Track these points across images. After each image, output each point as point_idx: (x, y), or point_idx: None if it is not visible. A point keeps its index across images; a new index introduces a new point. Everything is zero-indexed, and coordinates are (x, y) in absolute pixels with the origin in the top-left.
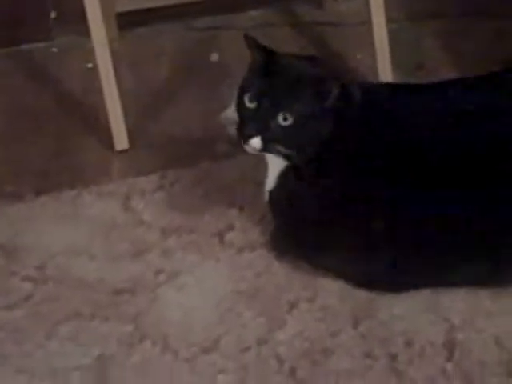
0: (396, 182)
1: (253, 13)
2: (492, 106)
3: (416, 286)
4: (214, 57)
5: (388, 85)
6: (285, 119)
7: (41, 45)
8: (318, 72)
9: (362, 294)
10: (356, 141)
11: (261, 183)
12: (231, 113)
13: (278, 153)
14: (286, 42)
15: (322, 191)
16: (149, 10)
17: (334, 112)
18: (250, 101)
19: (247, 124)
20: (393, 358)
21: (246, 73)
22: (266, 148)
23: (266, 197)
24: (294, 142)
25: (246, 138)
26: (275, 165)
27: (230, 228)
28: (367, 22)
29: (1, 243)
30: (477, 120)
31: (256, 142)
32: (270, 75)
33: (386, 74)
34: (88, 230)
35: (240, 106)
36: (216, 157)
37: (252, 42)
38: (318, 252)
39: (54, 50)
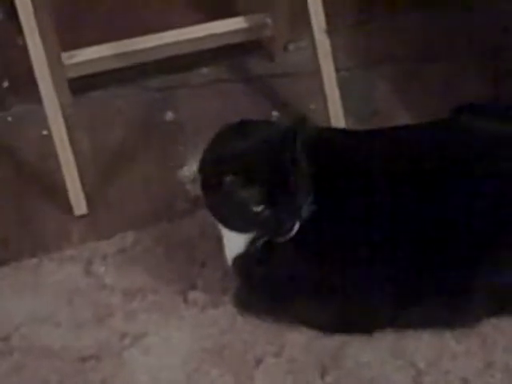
0: (351, 227)
1: (205, 70)
2: (442, 148)
3: (380, 327)
4: (169, 116)
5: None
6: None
7: None
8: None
9: (328, 344)
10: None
11: (221, 239)
12: (188, 170)
13: None
14: (239, 96)
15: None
16: (101, 73)
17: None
18: (258, 206)
19: (279, 221)
20: None
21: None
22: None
23: (229, 261)
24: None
25: (288, 232)
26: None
27: (193, 286)
28: (318, 72)
29: None
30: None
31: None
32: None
33: (338, 122)
34: (51, 297)
35: (250, 214)
36: (176, 215)
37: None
38: (286, 304)
39: (9, 119)
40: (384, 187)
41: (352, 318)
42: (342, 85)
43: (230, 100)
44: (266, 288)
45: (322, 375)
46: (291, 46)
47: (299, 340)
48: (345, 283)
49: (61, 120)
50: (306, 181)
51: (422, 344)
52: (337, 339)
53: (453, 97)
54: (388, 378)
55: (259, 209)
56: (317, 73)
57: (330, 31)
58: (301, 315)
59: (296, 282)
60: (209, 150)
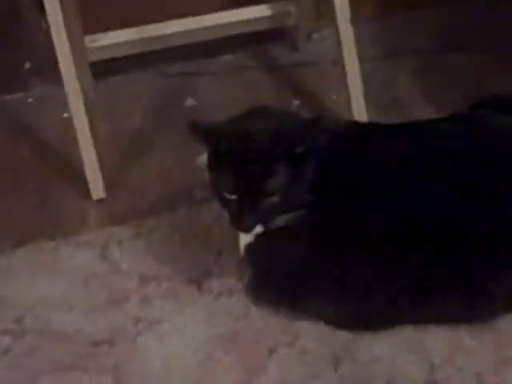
0: (368, 222)
1: (226, 57)
2: (463, 148)
3: (396, 323)
4: (190, 102)
5: (359, 124)
6: (272, 197)
7: (16, 95)
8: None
9: (341, 336)
10: (328, 187)
11: None
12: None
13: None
14: (260, 84)
15: (301, 238)
16: (122, 58)
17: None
18: (230, 194)
19: (240, 217)
20: None
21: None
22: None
23: (242, 250)
24: (287, 208)
25: (247, 230)
26: None
27: (208, 274)
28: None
29: None
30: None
31: (256, 229)
32: (232, 162)
33: (360, 112)
34: (66, 280)
35: (223, 200)
36: (193, 202)
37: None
38: (298, 297)
39: (30, 100)
40: (400, 183)
41: (365, 314)
42: (364, 75)
43: (252, 87)
44: (275, 279)
45: (335, 367)
46: (315, 35)
47: (313, 330)
48: (358, 278)
49: (81, 103)
50: (302, 186)
51: (437, 339)
52: (351, 331)
53: (476, 90)
54: (402, 372)
55: (228, 196)
56: (339, 63)
57: (354, 21)
58: (313, 309)
59: (307, 275)
60: (219, 123)
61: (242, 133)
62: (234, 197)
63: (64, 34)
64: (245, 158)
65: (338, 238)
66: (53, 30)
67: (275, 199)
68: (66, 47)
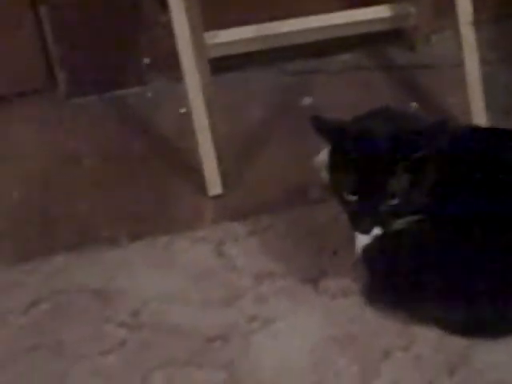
0: (487, 227)
1: (343, 56)
2: None
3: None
4: (307, 101)
5: (479, 129)
6: (392, 200)
7: (134, 90)
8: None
9: (457, 342)
10: (447, 191)
11: None
12: (323, 157)
13: None
14: (377, 85)
15: (419, 242)
16: (240, 55)
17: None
18: (350, 194)
19: (359, 218)
20: None
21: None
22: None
23: (359, 252)
24: (406, 211)
25: (366, 231)
26: None
27: (323, 274)
28: (460, 64)
29: (96, 288)
30: None
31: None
32: (355, 163)
33: (479, 117)
34: (182, 275)
35: (342, 200)
36: (309, 201)
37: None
38: (414, 301)
39: (148, 94)
40: None
41: (480, 320)
42: (484, 79)
43: (369, 88)
44: (392, 282)
45: (450, 374)
46: (434, 37)
47: (428, 336)
48: (475, 284)
49: (201, 99)
50: (421, 190)
51: None
52: (466, 338)
53: None
54: None
55: (348, 196)
56: (459, 65)
57: (476, 24)
58: (429, 314)
59: (424, 280)
60: (343, 122)
61: (366, 133)
62: (353, 197)
63: (187, 30)
64: (367, 159)
65: (456, 244)
66: (175, 24)
67: (395, 201)
68: (188, 43)
